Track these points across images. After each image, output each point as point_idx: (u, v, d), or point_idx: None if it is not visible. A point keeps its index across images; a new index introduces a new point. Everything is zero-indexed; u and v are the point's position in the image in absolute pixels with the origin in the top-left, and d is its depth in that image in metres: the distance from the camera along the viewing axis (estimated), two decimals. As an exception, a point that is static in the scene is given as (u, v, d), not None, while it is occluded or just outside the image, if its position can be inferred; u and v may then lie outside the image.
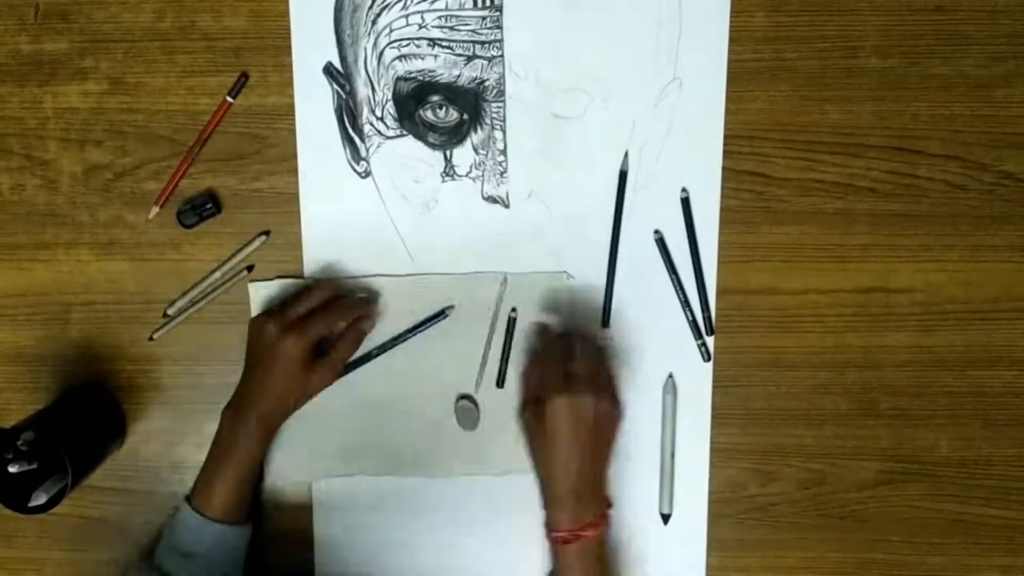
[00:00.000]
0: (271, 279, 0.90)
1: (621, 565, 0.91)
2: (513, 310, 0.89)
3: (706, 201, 0.88)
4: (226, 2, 0.88)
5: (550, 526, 0.81)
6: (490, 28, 0.86)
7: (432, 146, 0.88)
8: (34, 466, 0.82)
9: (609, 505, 0.83)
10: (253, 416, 0.84)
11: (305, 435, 0.91)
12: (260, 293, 0.90)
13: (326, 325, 0.85)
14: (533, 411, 0.81)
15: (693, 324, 0.90)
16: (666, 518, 0.92)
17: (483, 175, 0.89)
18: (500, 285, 0.89)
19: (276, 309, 0.86)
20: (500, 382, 0.90)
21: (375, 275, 0.90)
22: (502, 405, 0.90)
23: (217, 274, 0.91)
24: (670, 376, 0.90)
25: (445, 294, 0.89)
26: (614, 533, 0.89)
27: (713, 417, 0.91)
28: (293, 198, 0.90)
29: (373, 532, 0.93)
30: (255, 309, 0.90)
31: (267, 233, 0.90)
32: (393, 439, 0.91)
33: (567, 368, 0.80)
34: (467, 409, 0.90)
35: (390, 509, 0.93)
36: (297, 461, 0.92)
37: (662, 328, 0.90)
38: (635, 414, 0.91)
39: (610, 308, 0.90)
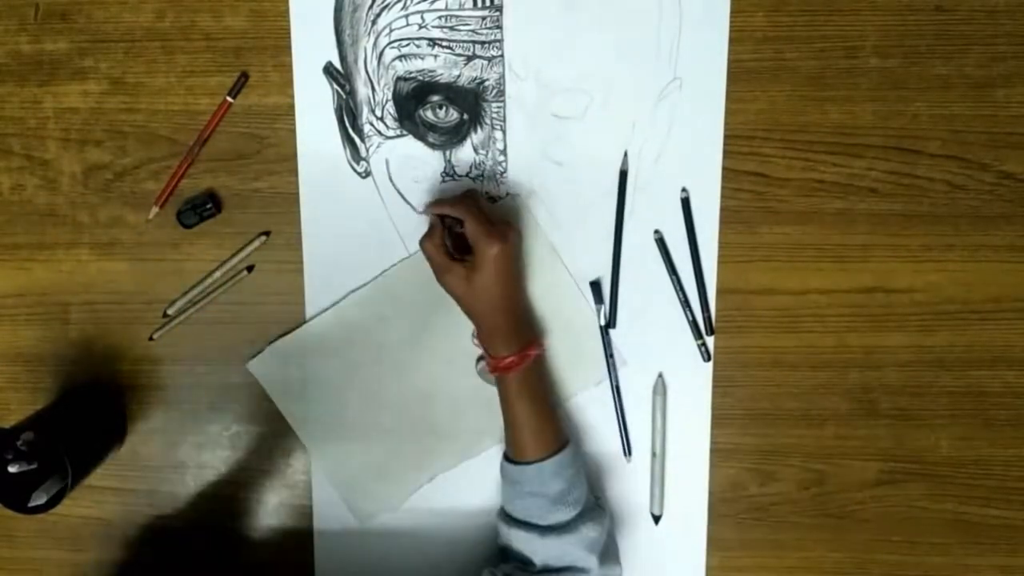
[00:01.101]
0: (263, 350, 0.91)
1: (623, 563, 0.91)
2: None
3: (706, 201, 0.88)
4: (226, 2, 0.88)
5: (495, 359, 0.83)
6: (490, 28, 0.86)
7: (432, 146, 0.88)
8: (34, 466, 0.82)
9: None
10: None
11: (369, 470, 0.92)
12: (262, 368, 0.91)
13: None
14: (462, 269, 0.81)
15: (693, 324, 0.90)
16: (657, 519, 0.92)
17: (483, 175, 0.89)
18: None
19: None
20: None
21: (380, 272, 0.90)
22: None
23: (217, 274, 0.91)
24: (660, 376, 0.90)
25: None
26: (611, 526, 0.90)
27: (713, 417, 0.91)
28: (293, 198, 0.90)
29: (373, 532, 0.93)
30: (264, 384, 0.91)
31: (267, 233, 0.90)
32: (434, 433, 0.92)
33: (476, 220, 0.80)
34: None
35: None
36: (375, 498, 0.93)
37: (662, 328, 0.90)
38: (635, 414, 0.91)
39: (616, 308, 0.90)
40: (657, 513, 0.92)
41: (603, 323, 0.90)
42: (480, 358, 0.90)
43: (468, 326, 0.87)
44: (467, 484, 0.93)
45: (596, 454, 0.92)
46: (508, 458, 0.86)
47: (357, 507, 0.93)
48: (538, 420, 0.84)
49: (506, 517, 0.86)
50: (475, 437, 0.92)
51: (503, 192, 0.89)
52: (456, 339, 0.91)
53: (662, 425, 0.91)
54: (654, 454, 0.91)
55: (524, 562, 0.84)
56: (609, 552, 0.85)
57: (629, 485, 0.92)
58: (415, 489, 0.93)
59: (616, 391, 0.91)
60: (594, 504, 0.86)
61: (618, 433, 0.92)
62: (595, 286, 0.90)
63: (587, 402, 0.92)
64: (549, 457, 0.83)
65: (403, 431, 0.92)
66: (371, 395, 0.90)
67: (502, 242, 0.80)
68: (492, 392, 0.89)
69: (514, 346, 0.83)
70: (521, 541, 0.84)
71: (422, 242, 0.83)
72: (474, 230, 0.80)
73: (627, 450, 0.92)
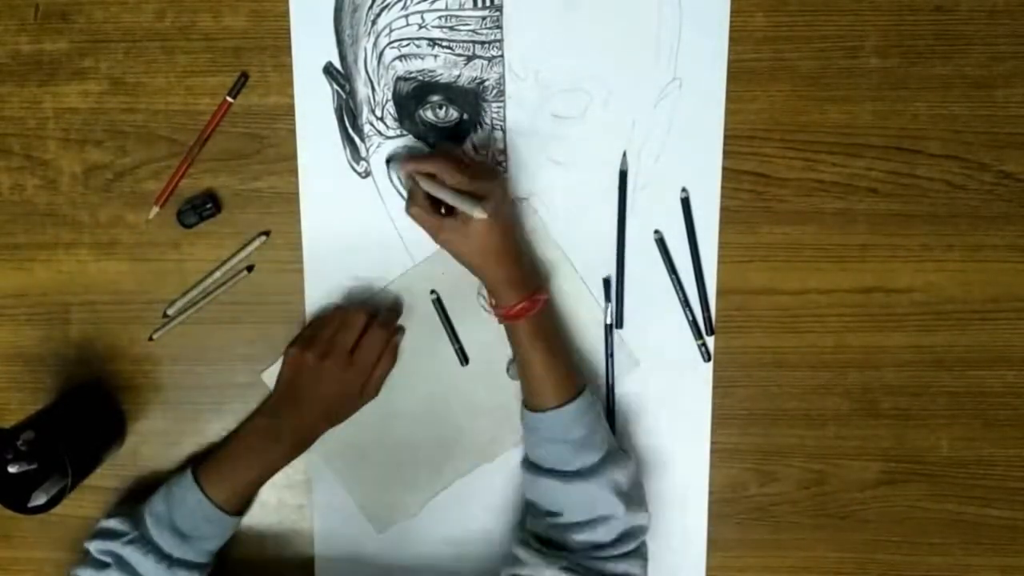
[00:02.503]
0: (277, 361, 0.90)
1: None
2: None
3: (706, 201, 0.88)
4: (226, 2, 0.88)
5: (504, 308, 0.83)
6: (490, 28, 0.86)
7: (432, 146, 0.88)
8: (34, 466, 0.82)
9: (545, 278, 0.88)
10: (293, 439, 0.86)
11: (384, 479, 0.93)
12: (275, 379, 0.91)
13: (374, 354, 0.86)
14: (455, 224, 0.80)
15: (693, 324, 0.90)
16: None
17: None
18: None
19: (317, 337, 0.86)
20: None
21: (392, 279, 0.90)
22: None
23: (217, 274, 0.91)
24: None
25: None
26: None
27: (713, 417, 0.91)
28: (293, 198, 0.90)
29: (373, 532, 0.93)
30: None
31: (267, 233, 0.90)
32: (450, 439, 0.93)
33: (471, 181, 0.79)
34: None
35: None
36: (392, 506, 0.93)
37: (662, 328, 0.90)
38: (635, 414, 0.91)
39: (622, 309, 0.90)
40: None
41: (609, 322, 0.90)
42: (512, 361, 0.90)
43: (480, 330, 0.89)
44: (474, 486, 0.93)
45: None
46: (527, 406, 0.85)
47: (374, 516, 0.93)
48: (554, 367, 0.83)
49: (531, 466, 0.86)
50: (491, 442, 0.92)
51: (503, 192, 0.89)
52: (469, 343, 0.91)
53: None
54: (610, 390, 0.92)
55: (551, 513, 0.83)
56: (634, 498, 0.85)
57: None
58: (432, 496, 0.93)
59: (610, 390, 0.91)
60: (618, 448, 0.86)
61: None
62: (608, 284, 0.89)
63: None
64: (568, 403, 0.83)
65: (418, 438, 0.92)
66: (385, 402, 0.90)
67: (489, 186, 0.80)
68: (506, 396, 0.90)
69: (522, 292, 0.82)
70: (548, 489, 0.84)
71: (407, 208, 0.83)
72: (457, 181, 0.79)
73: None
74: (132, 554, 0.82)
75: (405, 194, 0.88)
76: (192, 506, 0.83)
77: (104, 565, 0.83)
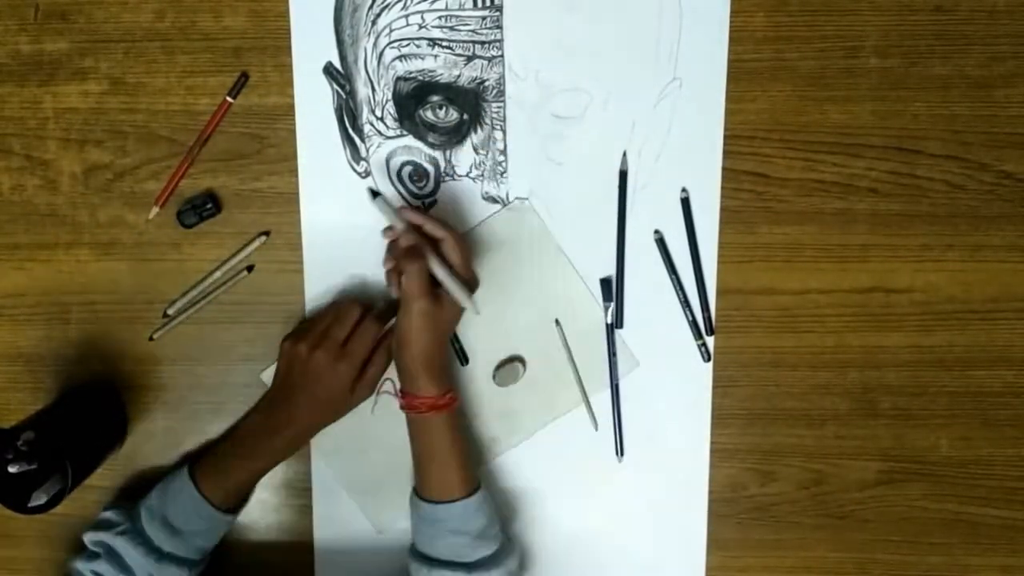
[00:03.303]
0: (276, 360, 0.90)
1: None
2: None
3: (706, 201, 0.88)
4: (226, 2, 0.88)
5: (418, 397, 0.83)
6: (490, 28, 0.86)
7: (432, 146, 0.88)
8: (34, 466, 0.82)
9: (450, 388, 0.86)
10: (287, 434, 0.85)
11: (386, 479, 0.92)
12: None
13: (366, 348, 0.86)
14: (434, 304, 0.81)
15: (693, 324, 0.90)
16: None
17: (483, 175, 0.89)
18: None
19: (310, 330, 0.86)
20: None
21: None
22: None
23: (217, 274, 0.91)
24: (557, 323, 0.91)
25: None
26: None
27: (713, 417, 0.91)
28: (293, 198, 0.90)
29: (373, 532, 0.93)
30: None
31: (267, 233, 0.90)
32: None
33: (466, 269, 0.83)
34: (512, 368, 0.91)
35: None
36: (393, 506, 0.92)
37: (662, 328, 0.90)
38: (636, 414, 0.91)
39: (622, 309, 0.90)
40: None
41: (609, 322, 0.90)
42: (499, 366, 0.90)
43: (479, 335, 0.90)
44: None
45: (586, 454, 0.92)
46: (424, 498, 0.84)
47: (375, 516, 0.93)
48: (460, 460, 0.84)
49: (426, 559, 0.84)
50: (488, 442, 0.92)
51: (504, 193, 0.89)
52: (469, 343, 0.91)
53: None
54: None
55: None
56: None
57: (623, 486, 0.92)
58: None
59: (614, 391, 0.91)
60: (507, 539, 0.88)
61: (613, 433, 0.92)
62: (606, 284, 0.90)
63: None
64: (472, 494, 0.83)
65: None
66: (385, 402, 0.90)
67: (416, 299, 0.80)
68: (504, 399, 0.90)
69: (444, 387, 0.83)
70: None
71: (406, 278, 0.81)
72: (411, 270, 0.80)
73: (620, 450, 0.92)
74: (122, 545, 0.82)
75: (406, 195, 0.89)
76: (185, 501, 0.83)
77: (95, 556, 0.83)
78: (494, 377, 0.90)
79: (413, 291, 0.80)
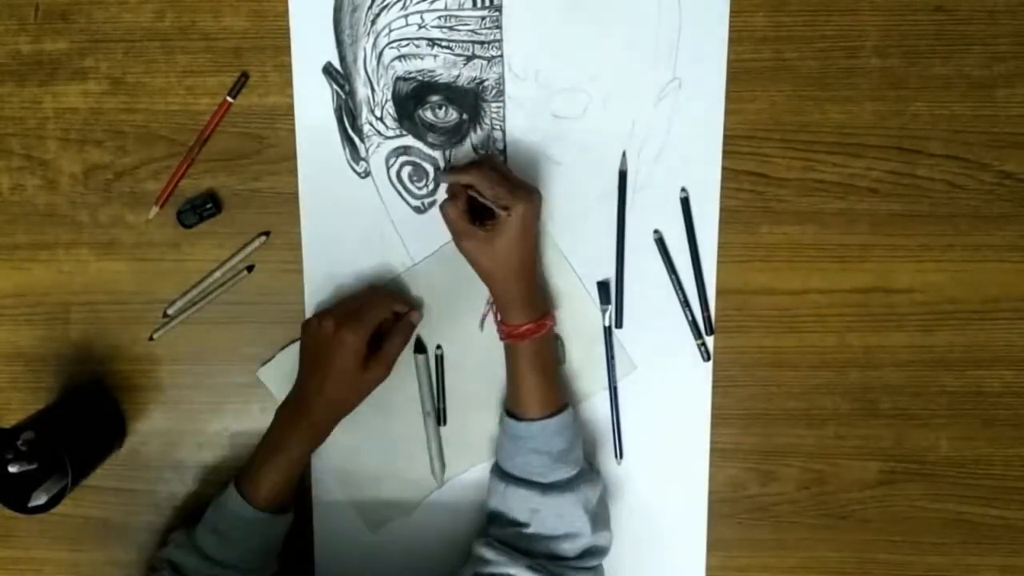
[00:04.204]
0: (272, 357, 0.91)
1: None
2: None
3: (706, 201, 0.88)
4: (226, 2, 0.88)
5: (511, 327, 0.83)
6: (490, 28, 0.86)
7: (432, 146, 0.88)
8: (34, 466, 0.82)
9: (552, 305, 0.88)
10: (307, 419, 0.85)
11: (379, 478, 0.93)
12: (272, 376, 0.91)
13: (377, 315, 0.85)
14: (482, 234, 0.81)
15: (693, 324, 0.90)
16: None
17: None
18: None
19: (332, 307, 0.87)
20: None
21: (388, 279, 0.90)
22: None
23: (217, 274, 0.91)
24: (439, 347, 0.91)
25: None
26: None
27: (713, 417, 0.91)
28: (293, 198, 0.90)
29: (373, 533, 0.94)
30: (273, 391, 0.91)
31: (267, 233, 0.90)
32: (445, 438, 0.93)
33: (499, 184, 0.81)
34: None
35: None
36: (386, 505, 0.93)
37: (662, 328, 0.90)
38: (635, 414, 0.91)
39: (622, 309, 0.90)
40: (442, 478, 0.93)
41: (607, 324, 0.90)
42: (484, 315, 0.90)
43: (475, 330, 0.89)
44: (474, 485, 0.93)
45: (586, 455, 0.91)
46: (511, 415, 0.85)
47: (368, 515, 0.93)
48: (545, 383, 0.84)
49: (504, 475, 0.86)
50: (486, 441, 0.92)
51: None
52: (465, 344, 0.91)
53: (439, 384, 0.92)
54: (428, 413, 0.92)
55: (519, 524, 0.84)
56: (601, 518, 0.86)
57: (621, 487, 0.92)
58: (427, 495, 0.93)
59: (613, 392, 0.91)
60: (590, 467, 0.87)
61: (611, 435, 0.92)
62: (603, 287, 0.90)
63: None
64: (553, 415, 0.83)
65: (413, 437, 0.92)
66: (380, 401, 0.90)
67: (527, 204, 0.80)
68: (502, 397, 0.89)
69: (530, 315, 0.83)
70: (520, 499, 0.83)
71: (443, 206, 0.82)
72: (498, 193, 0.80)
73: (619, 453, 0.92)
74: (179, 556, 0.83)
75: (405, 196, 0.88)
76: (231, 507, 0.83)
77: (158, 571, 0.83)
78: (481, 326, 0.91)
79: (453, 229, 0.83)
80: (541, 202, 0.85)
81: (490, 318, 0.89)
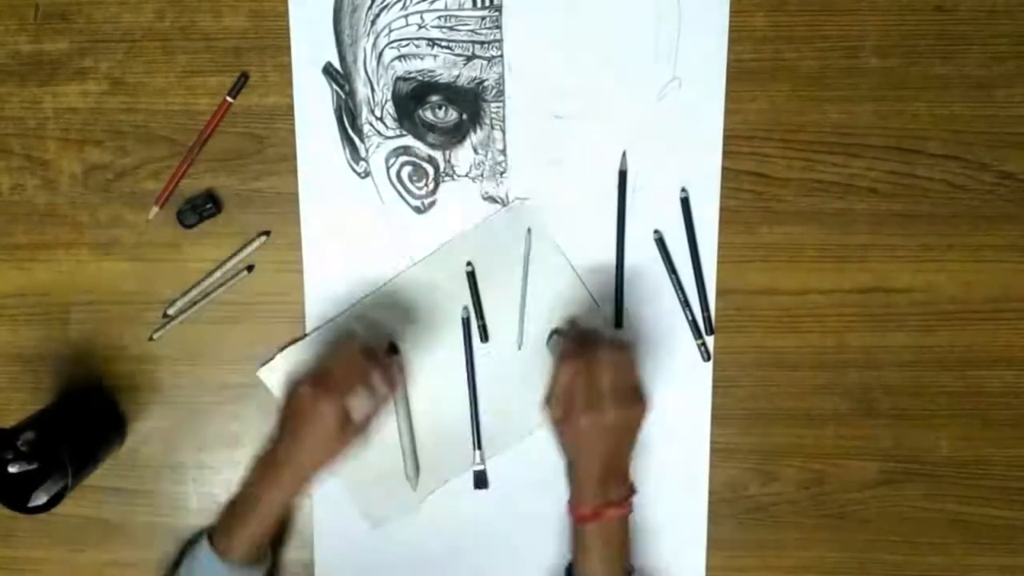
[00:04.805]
0: (272, 357, 0.91)
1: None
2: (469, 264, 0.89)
3: (706, 201, 0.88)
4: (226, 2, 0.88)
5: (573, 505, 0.81)
6: (490, 28, 0.86)
7: (432, 146, 0.88)
8: (34, 466, 0.82)
9: (633, 491, 0.82)
10: (282, 478, 0.81)
11: (381, 476, 0.92)
12: (272, 376, 0.91)
13: (353, 376, 0.81)
14: (560, 418, 0.79)
15: (693, 324, 0.90)
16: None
17: (482, 175, 0.89)
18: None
19: (310, 371, 0.83)
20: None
21: (389, 279, 0.90)
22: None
23: (217, 274, 0.91)
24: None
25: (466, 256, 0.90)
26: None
27: (713, 417, 0.91)
28: (293, 198, 0.90)
29: (373, 533, 0.93)
30: (273, 391, 0.91)
31: (267, 233, 0.90)
32: (446, 437, 0.93)
33: (592, 382, 0.78)
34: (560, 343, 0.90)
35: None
36: (388, 503, 0.93)
37: (662, 328, 0.90)
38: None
39: (622, 308, 0.90)
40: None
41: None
42: (552, 333, 0.90)
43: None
44: (470, 485, 0.93)
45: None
46: None
47: (370, 512, 0.93)
48: (609, 570, 0.80)
49: None
50: (489, 440, 0.92)
51: (504, 193, 0.89)
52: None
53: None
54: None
55: None
56: None
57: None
58: (428, 493, 0.93)
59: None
60: None
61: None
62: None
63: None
64: None
65: (417, 434, 0.92)
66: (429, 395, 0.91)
67: (641, 407, 0.79)
68: (503, 398, 0.90)
69: (599, 498, 0.79)
70: None
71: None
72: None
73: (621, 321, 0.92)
74: None
75: (405, 196, 0.88)
76: (204, 564, 0.82)
77: None
78: (548, 343, 0.90)
79: (577, 406, 0.78)
80: (640, 414, 0.80)
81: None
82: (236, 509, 0.83)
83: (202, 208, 0.89)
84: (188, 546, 0.85)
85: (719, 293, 0.90)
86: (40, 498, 0.83)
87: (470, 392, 0.91)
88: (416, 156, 0.88)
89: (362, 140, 0.89)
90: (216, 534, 0.83)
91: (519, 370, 0.90)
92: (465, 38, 0.86)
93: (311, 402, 0.79)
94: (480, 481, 0.92)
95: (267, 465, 0.82)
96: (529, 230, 0.89)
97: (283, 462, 0.81)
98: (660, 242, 0.89)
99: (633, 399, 0.79)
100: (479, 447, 0.92)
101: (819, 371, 0.91)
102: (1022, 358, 0.90)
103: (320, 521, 0.94)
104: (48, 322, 0.92)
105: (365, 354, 0.82)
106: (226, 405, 0.92)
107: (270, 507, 0.82)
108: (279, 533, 0.91)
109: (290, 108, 0.89)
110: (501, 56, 0.86)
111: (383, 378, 0.82)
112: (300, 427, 0.80)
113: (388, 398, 0.83)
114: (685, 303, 0.90)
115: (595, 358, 0.79)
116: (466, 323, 0.90)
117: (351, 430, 0.81)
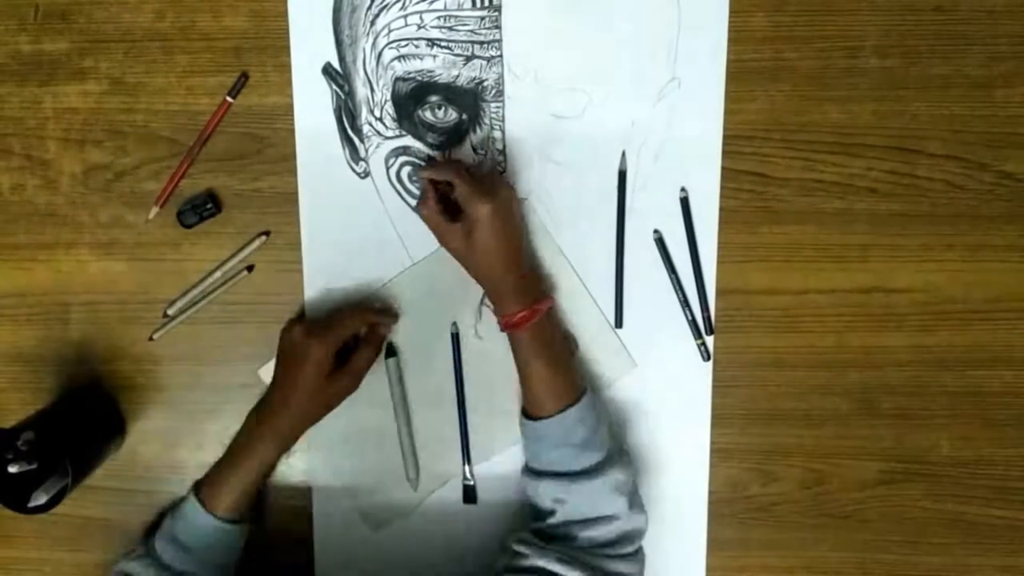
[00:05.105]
0: (273, 357, 0.90)
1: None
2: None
3: (706, 201, 0.88)
4: (226, 2, 0.88)
5: (505, 318, 0.83)
6: (489, 28, 0.86)
7: (431, 146, 0.88)
8: (34, 466, 0.82)
9: (547, 289, 0.88)
10: (273, 424, 0.85)
11: (380, 478, 0.93)
12: (271, 374, 0.90)
13: (346, 328, 0.85)
14: (460, 230, 0.82)
15: (693, 324, 0.90)
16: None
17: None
18: None
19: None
20: None
21: (388, 279, 0.90)
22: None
23: (217, 274, 0.91)
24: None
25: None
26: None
27: (713, 417, 0.91)
28: (293, 198, 0.90)
29: (373, 536, 0.93)
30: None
31: (267, 233, 0.90)
32: (444, 438, 0.93)
33: (464, 182, 0.81)
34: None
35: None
36: (387, 505, 0.93)
37: (662, 328, 0.90)
38: (635, 414, 0.91)
39: (622, 308, 0.90)
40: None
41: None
42: (478, 321, 0.90)
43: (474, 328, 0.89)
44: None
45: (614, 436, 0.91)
46: (528, 415, 0.85)
47: (369, 515, 0.93)
48: (554, 374, 0.83)
49: (533, 472, 0.85)
50: (489, 440, 0.92)
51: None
52: (465, 344, 0.91)
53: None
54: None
55: (553, 513, 0.83)
56: (635, 500, 0.84)
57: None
58: (427, 495, 0.93)
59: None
60: (619, 448, 0.87)
61: (621, 423, 0.91)
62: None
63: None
64: (569, 407, 0.82)
65: (416, 435, 0.92)
66: (381, 402, 0.90)
67: (492, 199, 0.80)
68: (503, 398, 0.89)
69: (523, 302, 0.82)
70: (550, 490, 0.83)
71: (418, 207, 0.84)
72: (462, 191, 0.80)
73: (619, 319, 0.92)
74: (138, 569, 0.82)
75: (405, 196, 0.89)
76: (190, 517, 0.83)
77: None
78: (475, 331, 0.91)
79: (434, 230, 0.84)
80: (512, 194, 0.86)
81: (489, 314, 0.89)
82: (227, 461, 0.85)
83: (202, 208, 0.89)
84: (171, 508, 0.87)
85: (719, 293, 0.90)
86: (40, 498, 0.83)
87: (459, 408, 0.92)
88: (416, 156, 0.89)
89: (362, 140, 0.89)
90: (203, 487, 0.85)
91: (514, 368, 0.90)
92: (464, 38, 0.86)
93: (302, 343, 0.83)
94: (469, 496, 0.92)
95: (260, 412, 0.86)
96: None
97: (275, 406, 0.85)
98: (660, 242, 0.89)
99: (494, 187, 0.82)
100: (468, 462, 0.92)
101: (819, 371, 0.91)
102: (1022, 358, 0.90)
103: (320, 522, 0.93)
104: (48, 322, 0.92)
105: (362, 305, 0.88)
106: (226, 405, 0.92)
107: (260, 455, 0.84)
108: (259, 501, 0.91)
109: (290, 108, 0.89)
110: (501, 56, 0.86)
111: (374, 324, 0.87)
112: (290, 367, 0.84)
113: (380, 345, 0.88)
114: (685, 303, 0.90)
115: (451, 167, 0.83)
116: (455, 338, 0.91)
117: (340, 376, 0.85)
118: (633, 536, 0.83)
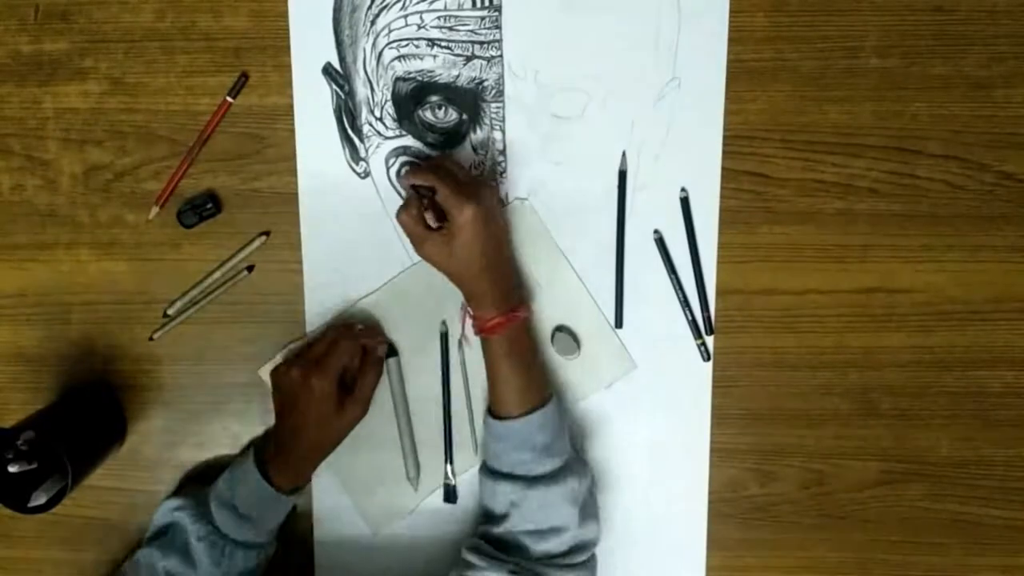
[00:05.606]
0: (273, 357, 0.91)
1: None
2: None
3: (706, 201, 0.88)
4: (226, 2, 0.88)
5: (480, 322, 0.83)
6: (489, 28, 0.86)
7: (431, 146, 0.88)
8: (34, 466, 0.82)
9: (526, 297, 0.88)
10: (286, 463, 0.86)
11: (380, 478, 0.93)
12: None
13: (342, 356, 0.85)
14: (437, 238, 0.81)
15: (693, 324, 0.90)
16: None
17: (482, 175, 0.89)
18: None
19: (298, 355, 0.87)
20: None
21: (388, 279, 0.91)
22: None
23: (217, 274, 0.91)
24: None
25: None
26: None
27: (713, 417, 0.91)
28: (293, 198, 0.90)
29: (373, 539, 0.93)
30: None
31: (267, 233, 0.90)
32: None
33: (446, 185, 0.80)
34: (564, 339, 0.90)
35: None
36: (388, 505, 0.93)
37: (662, 328, 0.90)
38: (635, 414, 0.91)
39: (622, 308, 0.90)
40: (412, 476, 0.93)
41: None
42: (555, 332, 0.90)
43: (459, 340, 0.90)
44: (470, 485, 0.93)
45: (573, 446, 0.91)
46: (493, 415, 0.86)
47: (370, 516, 0.93)
48: (523, 378, 0.84)
49: (491, 472, 0.86)
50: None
51: (504, 193, 0.89)
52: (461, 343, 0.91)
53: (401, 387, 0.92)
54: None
55: (506, 518, 0.83)
56: (588, 510, 0.85)
57: (621, 487, 0.92)
58: (427, 495, 0.93)
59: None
60: (577, 457, 0.87)
61: (610, 433, 0.92)
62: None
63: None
64: (534, 411, 0.83)
65: (414, 437, 0.92)
66: (381, 401, 0.90)
67: (475, 204, 0.79)
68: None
69: (500, 308, 0.83)
70: (506, 494, 0.84)
71: (398, 214, 0.83)
72: (445, 196, 0.80)
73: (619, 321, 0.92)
74: (191, 523, 0.84)
75: (404, 196, 0.89)
76: (253, 488, 0.85)
77: (157, 543, 0.85)
78: (552, 342, 0.91)
79: (411, 237, 0.83)
80: (494, 196, 0.86)
81: (468, 321, 0.88)
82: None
83: (202, 208, 0.89)
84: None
85: (719, 293, 0.90)
86: (40, 498, 0.83)
87: (444, 408, 0.92)
88: (416, 156, 0.89)
89: (362, 140, 0.89)
90: (268, 464, 0.86)
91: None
92: (465, 38, 0.86)
93: (303, 383, 0.84)
94: (449, 495, 0.93)
95: (273, 456, 0.86)
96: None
97: (285, 444, 0.85)
98: (660, 242, 0.89)
99: (476, 191, 0.81)
100: (450, 461, 0.92)
101: (819, 371, 0.91)
102: (1022, 358, 0.90)
103: (320, 521, 0.93)
104: (48, 322, 0.92)
105: (350, 331, 0.87)
106: (226, 405, 0.92)
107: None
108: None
109: (290, 108, 0.89)
110: (501, 56, 0.86)
111: (368, 344, 0.87)
112: (295, 407, 0.84)
113: (381, 368, 0.89)
114: (685, 303, 0.90)
115: (435, 169, 0.82)
116: (444, 337, 0.91)
117: (350, 404, 0.86)
118: (585, 546, 0.84)
